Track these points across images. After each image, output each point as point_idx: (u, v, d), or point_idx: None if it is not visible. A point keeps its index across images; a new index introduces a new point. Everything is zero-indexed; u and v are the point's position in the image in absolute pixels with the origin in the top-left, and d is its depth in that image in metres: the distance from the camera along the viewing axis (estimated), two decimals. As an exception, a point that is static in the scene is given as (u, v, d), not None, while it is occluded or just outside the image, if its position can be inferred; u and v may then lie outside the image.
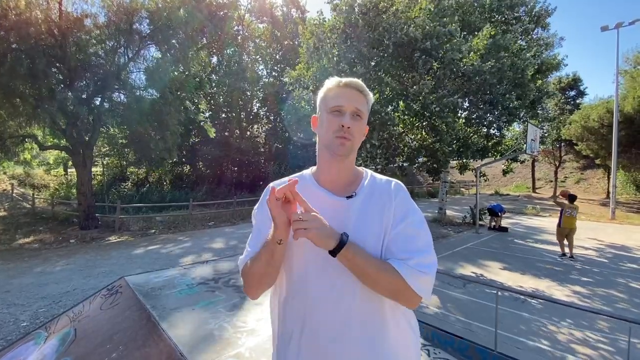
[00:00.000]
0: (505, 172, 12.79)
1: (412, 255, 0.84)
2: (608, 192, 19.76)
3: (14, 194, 15.26)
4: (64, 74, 9.66)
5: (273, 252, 0.85)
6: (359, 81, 0.93)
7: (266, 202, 0.85)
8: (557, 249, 7.94)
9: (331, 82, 0.94)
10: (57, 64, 9.47)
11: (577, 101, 26.26)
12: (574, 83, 26.54)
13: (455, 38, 7.84)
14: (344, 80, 0.92)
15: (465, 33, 8.62)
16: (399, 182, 0.97)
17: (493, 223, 10.88)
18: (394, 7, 8.13)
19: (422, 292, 0.84)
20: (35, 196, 13.74)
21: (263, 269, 0.88)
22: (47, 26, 8.45)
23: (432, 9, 7.96)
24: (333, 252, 0.81)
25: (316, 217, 0.81)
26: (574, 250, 7.55)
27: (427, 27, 7.64)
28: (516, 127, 12.49)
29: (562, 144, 24.60)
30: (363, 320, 0.87)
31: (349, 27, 8.49)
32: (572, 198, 7.40)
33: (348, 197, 0.92)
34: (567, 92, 26.37)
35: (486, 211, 11.25)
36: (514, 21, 10.36)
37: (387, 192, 0.93)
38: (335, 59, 8.43)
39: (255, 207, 1.02)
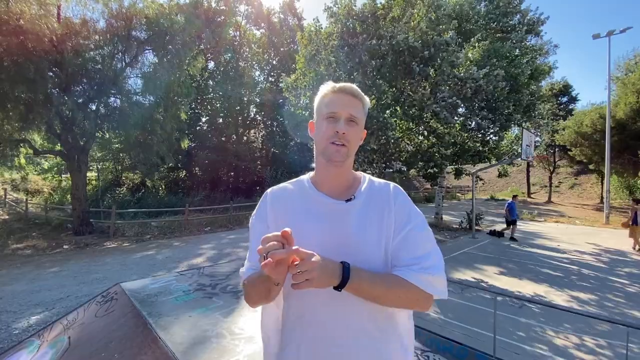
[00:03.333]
0: (500, 175, 12.89)
1: (419, 261, 0.85)
2: (602, 197, 19.96)
3: (7, 199, 15.07)
4: (61, 79, 9.62)
5: (270, 290, 0.83)
6: (353, 86, 0.93)
7: (258, 252, 0.73)
8: (554, 253, 8.02)
9: (325, 88, 0.95)
10: (54, 69, 9.44)
11: (570, 107, 26.66)
12: (565, 89, 26.97)
13: (451, 46, 7.92)
14: (338, 85, 0.92)
15: (461, 40, 8.73)
16: (397, 185, 0.98)
17: (507, 231, 10.20)
18: (392, 14, 8.22)
19: (438, 292, 0.85)
20: (28, 201, 13.57)
21: (261, 298, 0.87)
22: (45, 32, 8.44)
23: (433, 18, 8.04)
24: (337, 288, 0.78)
25: (314, 263, 0.73)
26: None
27: (426, 36, 7.71)
28: (511, 133, 12.60)
29: (556, 149, 24.88)
30: (364, 324, 0.86)
31: (347, 34, 8.55)
32: (637, 201, 8.83)
33: (347, 201, 0.92)
34: (559, 99, 26.77)
35: (505, 216, 10.23)
36: (509, 29, 10.52)
37: (386, 195, 0.93)
38: (333, 65, 8.49)
39: (253, 215, 1.00)
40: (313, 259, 0.73)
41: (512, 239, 9.87)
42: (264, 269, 0.69)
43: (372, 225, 0.89)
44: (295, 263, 0.73)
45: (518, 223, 13.49)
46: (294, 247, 0.72)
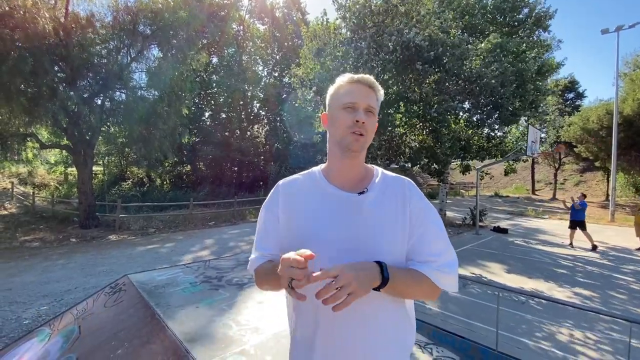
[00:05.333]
0: (507, 172, 12.81)
1: (437, 258, 0.88)
2: (607, 195, 19.80)
3: (14, 193, 15.25)
4: (67, 73, 9.69)
5: (281, 286, 0.85)
6: (370, 77, 0.93)
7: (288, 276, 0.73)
8: (557, 250, 7.98)
9: (343, 79, 0.94)
10: (60, 63, 9.49)
11: (577, 103, 26.36)
12: (572, 85, 26.63)
13: (460, 47, 7.81)
14: (356, 76, 0.92)
15: (467, 35, 8.64)
16: (410, 180, 0.98)
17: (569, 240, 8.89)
18: (403, 8, 8.11)
19: (451, 288, 0.90)
20: (35, 195, 13.73)
21: (272, 288, 0.95)
22: (52, 25, 8.47)
23: (446, 17, 7.96)
24: (377, 288, 0.79)
25: (350, 275, 0.71)
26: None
27: (434, 35, 7.61)
28: (516, 129, 12.50)
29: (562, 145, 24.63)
30: (379, 319, 0.87)
31: (356, 28, 8.47)
32: None
33: (360, 193, 0.91)
34: (565, 95, 26.45)
35: (571, 218, 8.74)
36: (516, 23, 10.39)
37: (400, 189, 0.93)
38: (339, 59, 8.43)
39: (263, 205, 1.01)
40: (346, 272, 0.71)
41: (594, 246, 8.37)
42: (291, 294, 0.74)
43: (385, 218, 0.89)
44: (330, 282, 0.71)
45: (521, 220, 13.16)
46: (318, 273, 0.71)
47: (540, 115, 10.75)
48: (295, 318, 0.96)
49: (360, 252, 0.84)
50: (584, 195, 8.93)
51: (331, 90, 0.97)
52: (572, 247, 8.67)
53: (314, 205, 0.92)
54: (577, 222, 8.53)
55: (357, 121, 0.88)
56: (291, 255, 0.73)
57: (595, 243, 8.41)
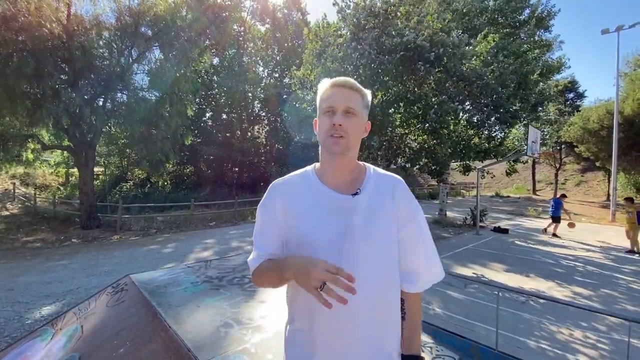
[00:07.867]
0: (508, 173, 12.81)
1: (425, 270, 0.98)
2: (608, 195, 19.76)
3: (16, 194, 15.30)
4: (69, 75, 9.72)
5: (281, 282, 0.93)
6: (350, 79, 0.95)
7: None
8: (558, 250, 7.98)
9: (323, 84, 0.97)
10: (62, 65, 9.53)
11: (577, 103, 26.34)
12: (572, 85, 26.61)
13: (460, 47, 7.82)
14: (334, 80, 0.95)
15: (467, 36, 8.65)
16: (400, 178, 1.01)
17: (550, 229, 10.43)
18: (403, 9, 8.13)
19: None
20: (37, 196, 13.78)
21: (272, 285, 0.97)
22: (55, 28, 8.50)
23: (447, 19, 7.99)
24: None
25: None
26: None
27: (436, 36, 7.62)
28: (520, 130, 12.47)
29: (563, 146, 24.62)
30: (375, 312, 0.90)
31: (356, 29, 8.49)
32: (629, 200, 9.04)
33: (353, 195, 0.93)
34: (565, 95, 26.43)
35: (550, 216, 10.51)
36: (517, 24, 10.42)
37: (391, 189, 0.96)
38: (339, 61, 8.46)
39: (260, 205, 1.02)
40: None
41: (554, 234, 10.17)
42: (317, 297, 0.77)
43: (379, 217, 0.92)
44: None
45: (522, 220, 13.18)
46: None
47: (541, 118, 10.77)
48: (292, 308, 0.99)
49: (355, 251, 0.88)
50: (564, 196, 11.27)
51: (317, 97, 0.99)
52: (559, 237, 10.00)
53: (310, 206, 0.94)
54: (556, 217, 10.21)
55: (333, 124, 0.90)
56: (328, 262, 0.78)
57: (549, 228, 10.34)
